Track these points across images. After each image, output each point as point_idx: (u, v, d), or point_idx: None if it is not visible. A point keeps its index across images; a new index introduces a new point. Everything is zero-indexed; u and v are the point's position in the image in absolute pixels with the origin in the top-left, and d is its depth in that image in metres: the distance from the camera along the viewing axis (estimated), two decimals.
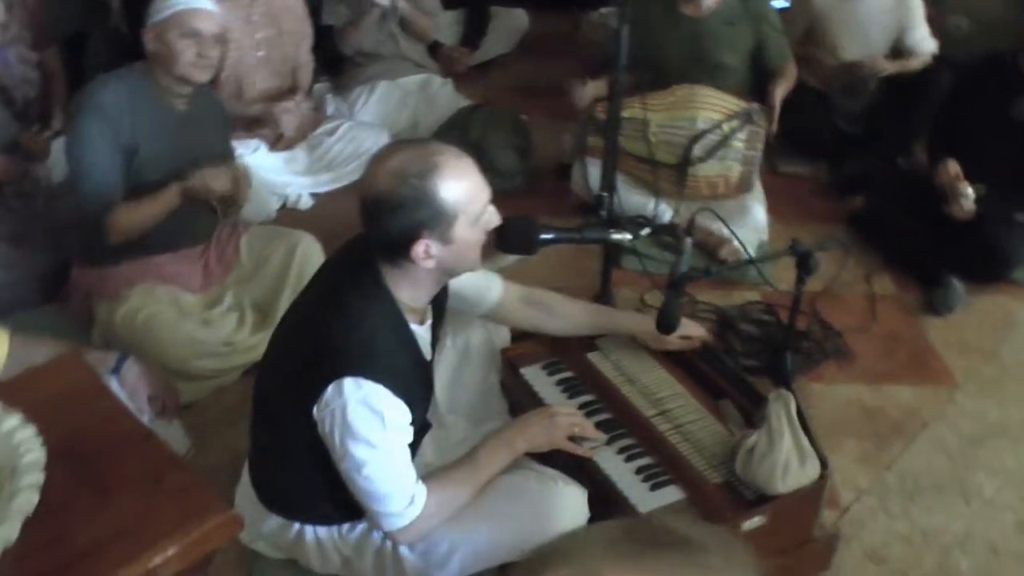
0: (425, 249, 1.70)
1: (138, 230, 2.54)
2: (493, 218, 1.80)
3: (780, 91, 3.43)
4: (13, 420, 1.08)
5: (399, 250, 1.71)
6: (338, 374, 1.67)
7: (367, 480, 1.72)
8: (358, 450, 1.69)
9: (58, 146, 2.98)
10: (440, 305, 1.99)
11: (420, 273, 1.76)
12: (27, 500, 0.98)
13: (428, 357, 1.92)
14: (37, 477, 1.00)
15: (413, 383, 1.80)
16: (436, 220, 1.68)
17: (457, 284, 2.01)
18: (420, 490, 1.77)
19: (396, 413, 1.71)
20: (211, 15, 2.55)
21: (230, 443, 2.38)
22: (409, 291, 1.80)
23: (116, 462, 1.08)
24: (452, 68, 4.46)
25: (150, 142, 2.53)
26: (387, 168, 1.69)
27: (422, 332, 1.88)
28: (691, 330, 2.27)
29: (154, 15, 2.51)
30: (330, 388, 1.67)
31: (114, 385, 2.17)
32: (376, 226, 1.71)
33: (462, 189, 1.70)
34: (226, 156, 2.79)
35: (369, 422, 1.68)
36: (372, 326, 1.73)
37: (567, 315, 2.26)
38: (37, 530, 0.96)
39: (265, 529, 1.97)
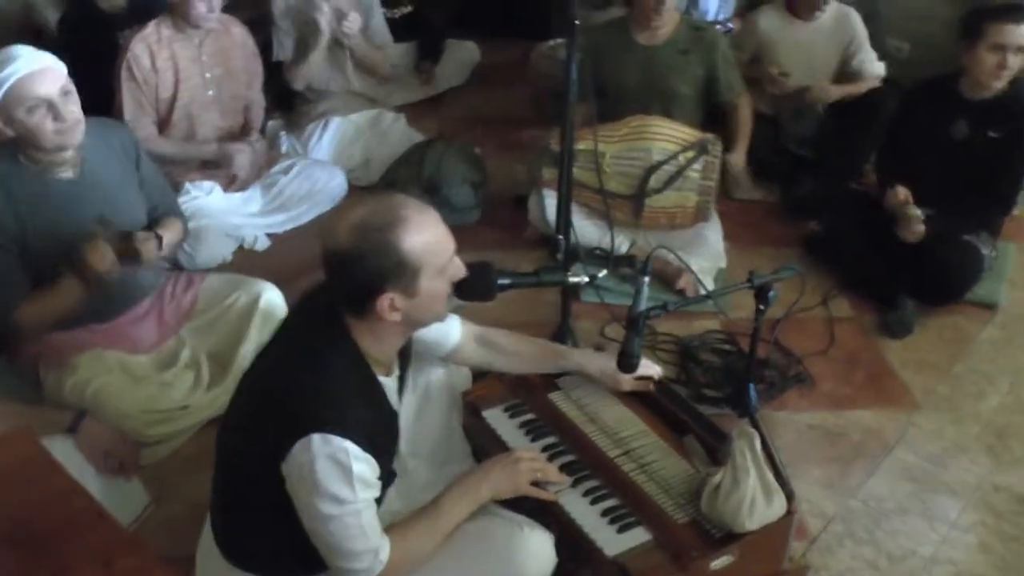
0: (390, 303, 1.69)
1: (50, 322, 2.44)
2: (459, 270, 1.80)
3: (740, 155, 3.50)
4: None
5: (363, 304, 1.70)
6: (306, 431, 1.65)
7: (332, 536, 1.70)
8: (324, 506, 1.67)
9: None
10: (406, 355, 1.97)
11: (386, 327, 1.75)
12: None
13: (395, 407, 1.90)
14: None
15: (381, 435, 1.78)
16: (399, 273, 1.67)
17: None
18: (384, 544, 1.75)
19: (365, 468, 1.69)
20: (46, 72, 2.30)
21: (191, 494, 2.34)
22: (376, 344, 1.78)
23: (67, 544, 1.04)
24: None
25: (42, 226, 2.37)
26: (349, 222, 1.68)
27: (390, 383, 1.86)
28: (647, 370, 2.27)
29: None
30: (297, 445, 1.65)
31: (70, 445, 2.14)
32: (339, 280, 1.71)
33: (425, 241, 1.69)
34: (137, 200, 2.60)
35: (336, 478, 1.66)
36: (340, 381, 1.72)
37: (522, 354, 2.26)
38: None
39: None
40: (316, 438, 1.64)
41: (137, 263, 2.49)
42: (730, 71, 3.57)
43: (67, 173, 2.43)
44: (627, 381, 2.24)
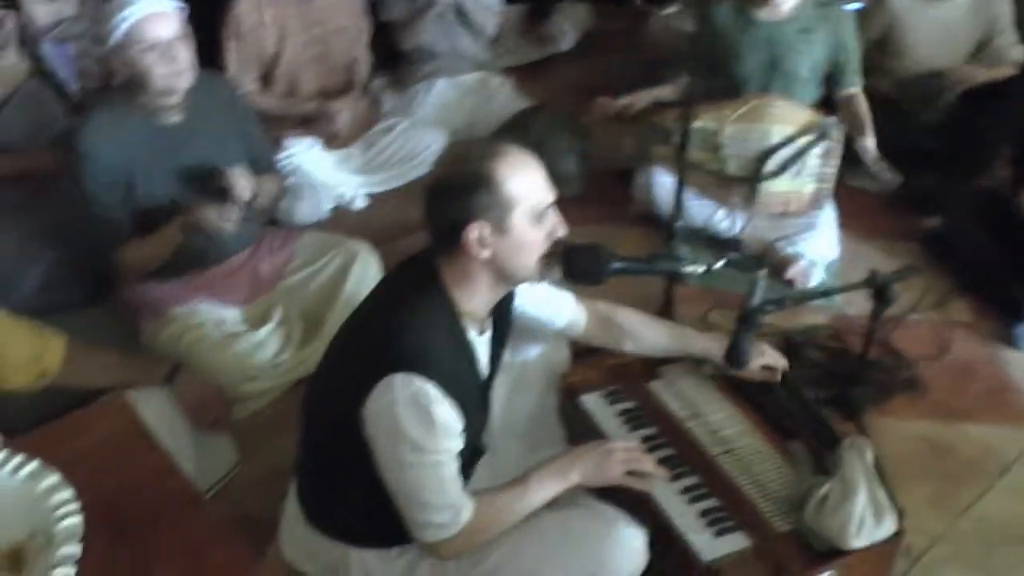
0: (478, 235, 1.64)
1: (150, 267, 2.49)
2: (559, 227, 1.74)
3: (871, 145, 3.27)
4: (51, 478, 1.02)
5: (453, 237, 1.66)
6: (389, 370, 1.61)
7: (410, 485, 1.66)
8: (404, 451, 1.63)
9: None
10: (503, 320, 1.91)
11: (475, 269, 1.70)
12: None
13: (485, 372, 1.85)
14: (74, 549, 0.93)
15: (466, 391, 1.72)
16: (492, 204, 1.64)
17: (528, 301, 1.97)
18: (466, 505, 1.70)
19: (447, 415, 1.64)
20: (165, 16, 2.35)
21: (277, 455, 2.33)
22: (466, 293, 1.73)
23: (158, 531, 1.01)
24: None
25: (148, 168, 2.42)
26: (451, 158, 1.68)
27: (480, 343, 1.81)
28: (772, 359, 2.16)
29: (108, 39, 2.36)
30: (379, 385, 1.61)
31: (165, 397, 2.15)
32: (433, 211, 1.70)
33: (522, 178, 1.67)
34: (238, 152, 2.61)
35: (417, 421, 1.61)
36: (427, 325, 1.68)
37: (649, 337, 2.17)
38: None
39: (312, 548, 1.91)
40: (398, 378, 1.60)
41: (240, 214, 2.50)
42: (853, 59, 3.35)
43: (174, 119, 2.47)
44: (754, 370, 2.13)
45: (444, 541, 1.71)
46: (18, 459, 1.03)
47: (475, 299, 1.75)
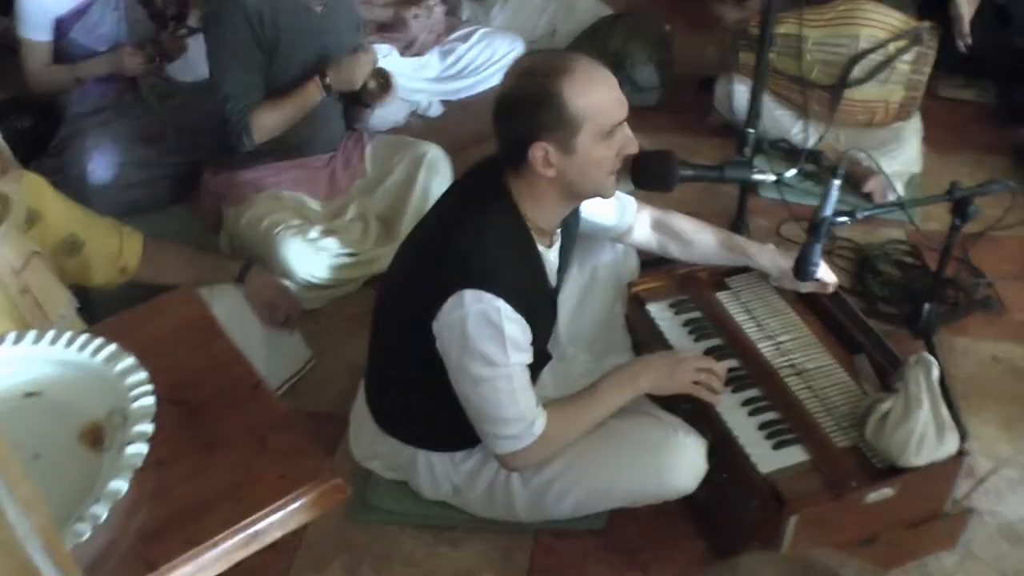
0: (544, 155, 1.62)
1: (280, 128, 2.55)
2: (630, 144, 1.70)
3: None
4: (127, 361, 1.08)
5: (520, 155, 1.65)
6: (459, 286, 1.63)
7: (483, 399, 1.69)
8: (475, 366, 1.65)
9: (194, 45, 2.98)
10: (570, 231, 1.92)
11: (543, 185, 1.69)
12: (137, 453, 0.97)
13: (554, 283, 1.87)
14: (146, 427, 0.99)
15: (536, 305, 1.74)
16: (557, 124, 1.60)
17: (589, 207, 1.95)
18: (540, 416, 1.72)
19: (516, 330, 1.66)
20: None
21: (350, 353, 2.40)
22: (535, 208, 1.73)
23: (223, 415, 1.06)
24: None
25: (291, 40, 2.50)
26: (518, 69, 1.66)
27: (550, 255, 1.82)
28: (825, 275, 2.13)
29: None
30: (450, 300, 1.63)
31: (238, 294, 2.23)
32: (500, 126, 1.67)
33: (590, 97, 1.61)
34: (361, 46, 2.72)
35: (488, 337, 1.64)
36: (496, 240, 1.68)
37: (700, 243, 2.16)
38: (142, 483, 0.96)
39: (379, 449, 1.99)
40: (468, 294, 1.62)
41: (384, 92, 2.70)
42: None
43: (318, 6, 2.57)
44: (805, 284, 2.11)
45: (518, 452, 1.74)
46: (98, 342, 1.10)
47: (545, 214, 1.75)
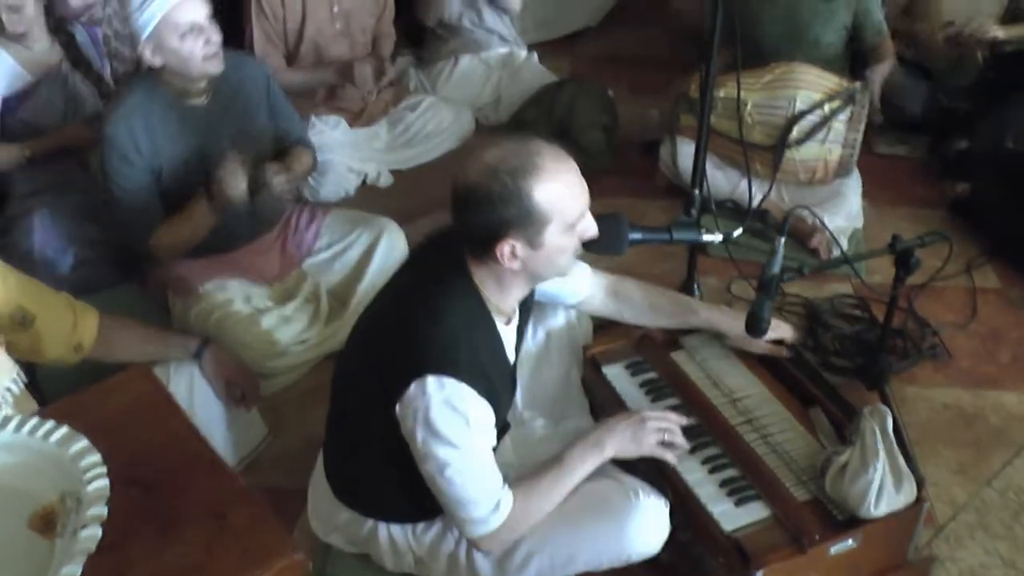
0: (511, 250, 1.63)
1: (187, 247, 2.50)
2: (591, 228, 1.72)
3: (880, 72, 3.27)
4: (80, 443, 1.06)
5: (485, 247, 1.65)
6: (421, 372, 1.62)
7: (450, 483, 1.67)
8: (441, 451, 1.64)
9: None
10: (527, 305, 1.93)
11: (506, 274, 1.71)
12: (91, 536, 0.95)
13: (512, 359, 1.87)
14: (100, 510, 0.97)
15: (497, 383, 1.75)
16: (525, 222, 1.61)
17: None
18: (506, 496, 1.71)
19: (480, 413, 1.66)
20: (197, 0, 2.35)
21: (307, 428, 2.38)
22: (497, 291, 1.75)
23: (180, 493, 1.04)
24: None
25: (176, 152, 2.43)
26: (482, 160, 1.62)
27: (507, 332, 1.83)
28: (781, 332, 2.16)
29: (142, 29, 2.31)
30: (412, 386, 1.63)
31: (195, 371, 2.20)
32: (463, 218, 1.66)
33: (558, 194, 1.62)
34: (267, 129, 2.64)
35: (452, 422, 1.63)
36: (457, 323, 1.68)
37: (653, 308, 2.18)
38: (97, 568, 0.94)
39: (339, 522, 1.96)
40: (431, 379, 1.61)
41: (265, 192, 2.51)
42: (877, 12, 3.32)
43: (200, 100, 2.48)
44: (760, 344, 2.14)
45: (488, 535, 1.72)
46: (49, 424, 1.07)
47: (506, 297, 1.77)
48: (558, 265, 1.73)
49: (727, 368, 2.17)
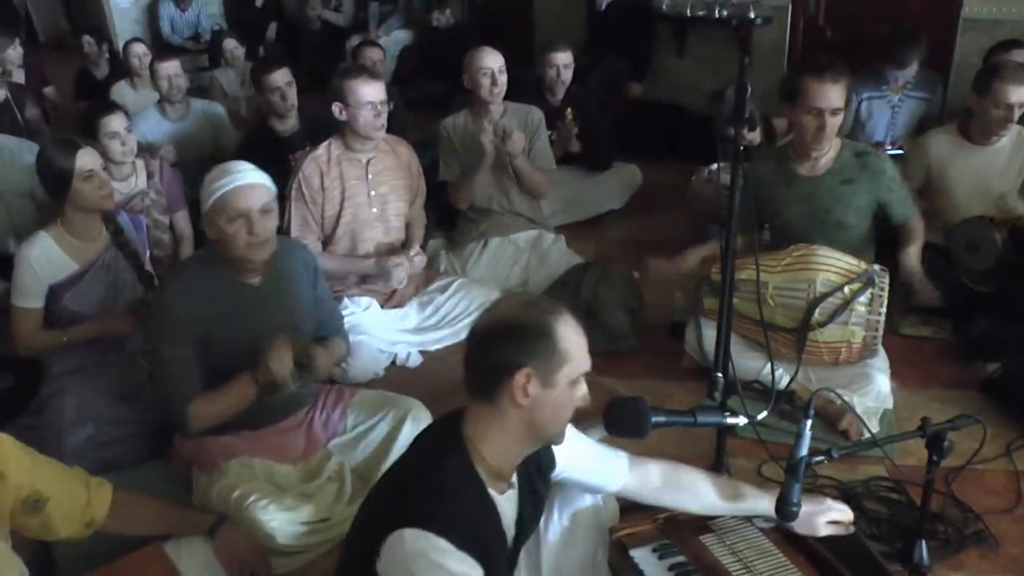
0: (526, 381, 1.67)
1: (221, 420, 2.53)
2: (585, 398, 1.78)
3: (910, 255, 3.30)
4: None
5: (497, 383, 1.69)
6: (399, 524, 1.62)
7: None
8: None
9: None
10: (533, 486, 1.92)
11: (509, 419, 1.72)
12: None
13: (510, 532, 1.85)
14: None
15: (489, 548, 1.71)
16: (547, 354, 1.68)
17: (579, 470, 2.02)
18: None
19: (464, 569, 1.62)
20: (256, 188, 2.47)
21: None
22: (493, 445, 1.75)
23: None
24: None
25: (226, 327, 2.51)
26: (510, 304, 1.78)
27: (502, 501, 1.81)
28: (838, 514, 2.14)
29: (203, 203, 2.48)
30: (390, 538, 1.62)
31: (208, 548, 2.18)
32: (483, 353, 1.72)
33: (576, 343, 1.73)
34: (312, 315, 2.73)
35: (432, 574, 1.59)
36: (443, 482, 1.70)
37: (707, 497, 2.17)
38: None
39: None
40: (408, 532, 1.60)
41: (308, 376, 2.56)
42: (901, 192, 3.37)
43: (254, 280, 2.57)
44: (821, 526, 2.11)
45: None
46: None
47: (501, 451, 1.77)
48: (559, 418, 1.76)
49: (759, 552, 2.12)
